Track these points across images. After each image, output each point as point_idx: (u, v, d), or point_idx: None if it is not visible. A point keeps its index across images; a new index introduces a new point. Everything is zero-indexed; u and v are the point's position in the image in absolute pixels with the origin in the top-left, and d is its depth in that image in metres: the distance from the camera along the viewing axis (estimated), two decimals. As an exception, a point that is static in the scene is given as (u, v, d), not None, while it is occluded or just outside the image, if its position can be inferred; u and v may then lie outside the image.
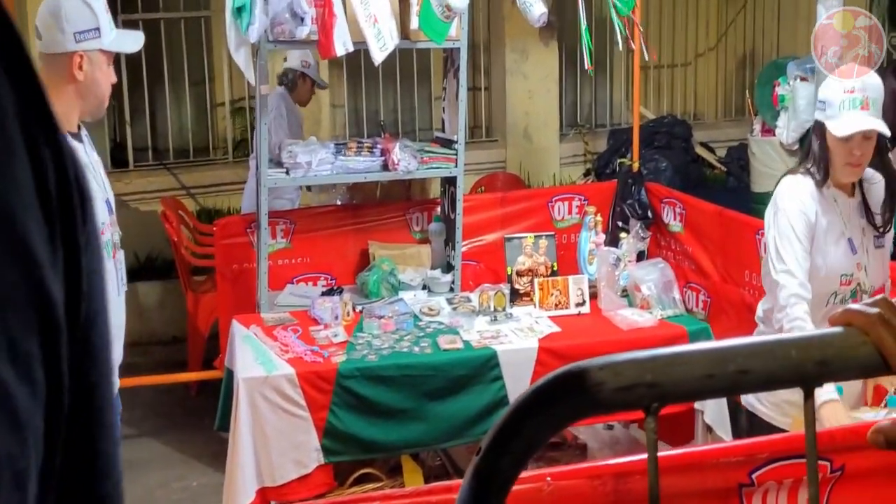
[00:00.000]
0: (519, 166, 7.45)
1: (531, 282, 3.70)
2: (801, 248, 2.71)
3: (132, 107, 7.23)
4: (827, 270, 2.77)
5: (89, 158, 2.66)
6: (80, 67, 2.53)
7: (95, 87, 2.59)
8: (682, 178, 6.69)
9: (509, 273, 3.76)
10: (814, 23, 7.24)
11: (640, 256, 3.62)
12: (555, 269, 3.79)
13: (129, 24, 7.01)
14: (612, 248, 3.53)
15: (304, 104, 5.69)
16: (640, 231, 3.46)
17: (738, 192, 6.40)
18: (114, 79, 2.64)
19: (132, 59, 6.99)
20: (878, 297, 0.76)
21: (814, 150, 2.76)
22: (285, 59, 5.56)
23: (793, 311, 2.63)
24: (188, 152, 7.43)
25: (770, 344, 0.63)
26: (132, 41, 2.72)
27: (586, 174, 7.32)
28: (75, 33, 2.51)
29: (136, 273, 6.63)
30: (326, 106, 7.24)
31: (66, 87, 2.53)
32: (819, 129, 2.73)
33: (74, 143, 2.60)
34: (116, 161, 7.32)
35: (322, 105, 7.15)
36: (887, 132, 2.65)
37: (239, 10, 3.66)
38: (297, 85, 5.42)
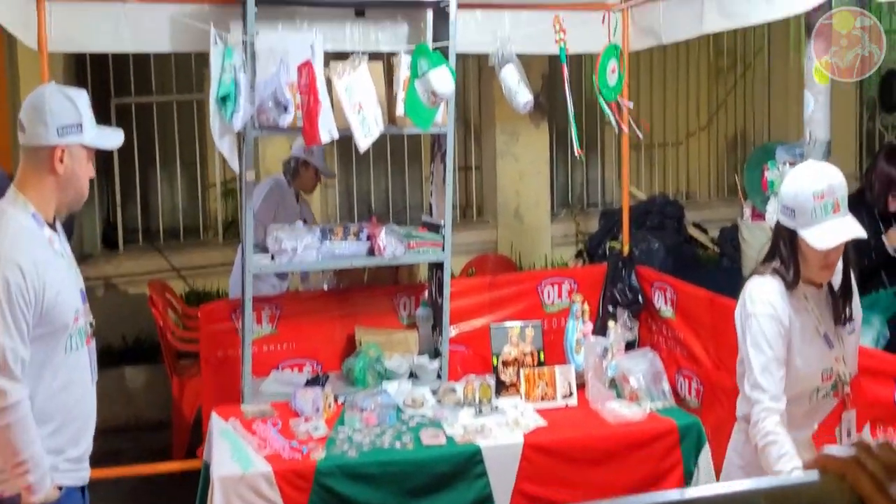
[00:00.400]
0: (510, 247, 7.42)
1: (517, 372, 3.61)
2: (773, 357, 2.62)
3: (123, 188, 7.23)
4: (806, 370, 2.69)
5: (64, 249, 2.64)
6: (61, 161, 2.53)
7: (75, 180, 2.59)
8: (675, 258, 6.64)
9: (495, 364, 3.67)
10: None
11: (629, 345, 3.55)
12: (541, 359, 3.70)
13: (122, 109, 7.08)
14: (600, 338, 3.45)
15: (309, 191, 5.65)
16: (627, 321, 3.40)
17: (731, 273, 6.33)
18: (92, 173, 2.64)
19: (124, 140, 7.06)
20: (855, 439, 0.71)
21: (782, 253, 2.64)
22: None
23: (765, 424, 2.56)
24: (179, 233, 7.41)
25: (741, 496, 0.62)
26: (112, 139, 2.73)
27: (578, 255, 7.28)
28: (58, 128, 2.51)
29: (123, 356, 6.55)
30: (318, 187, 7.24)
31: (46, 178, 2.53)
32: (788, 234, 2.61)
33: (50, 234, 2.56)
34: (107, 242, 7.30)
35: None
36: (864, 234, 2.57)
37: (224, 99, 3.66)
38: (300, 172, 5.39)
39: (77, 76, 6.85)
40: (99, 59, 6.88)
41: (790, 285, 2.64)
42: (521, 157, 7.54)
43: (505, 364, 3.66)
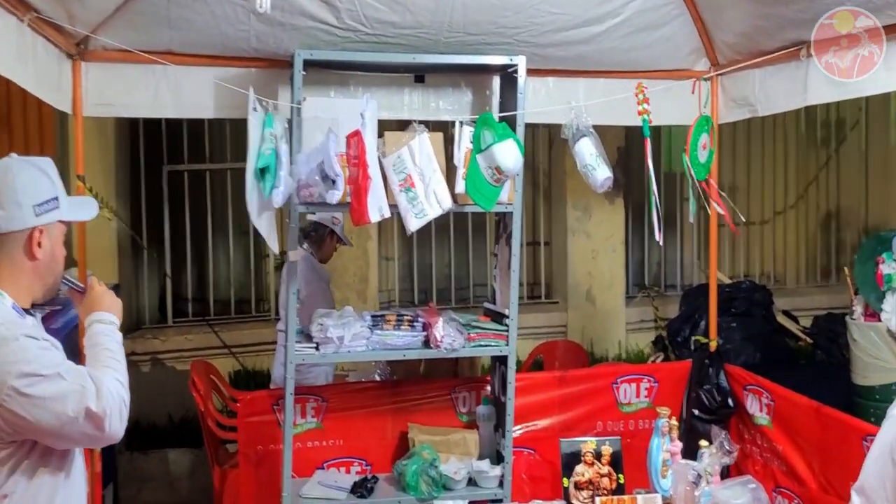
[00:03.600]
0: (581, 332, 6.87)
1: (592, 498, 3.07)
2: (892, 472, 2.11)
3: (174, 259, 6.95)
4: None
5: (47, 336, 2.22)
6: (40, 245, 2.13)
7: (55, 264, 2.19)
8: (764, 351, 6.01)
9: (565, 486, 3.14)
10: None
11: (724, 472, 2.99)
12: (621, 480, 3.15)
13: (175, 175, 6.84)
14: (692, 462, 2.90)
15: (326, 261, 5.27)
16: (725, 443, 2.85)
17: (830, 371, 5.68)
18: (65, 251, 2.24)
19: (175, 208, 6.80)
20: None
21: None
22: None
23: None
24: (230, 308, 7.07)
25: None
26: (87, 208, 2.32)
27: (656, 343, 6.69)
28: (34, 206, 2.11)
29: (168, 436, 6.20)
30: (375, 258, 6.84)
31: (23, 266, 2.13)
32: None
33: (33, 321, 2.16)
34: (154, 316, 7.01)
35: (370, 257, 6.76)
36: None
37: (262, 172, 3.29)
38: (326, 241, 5.01)
39: (129, 142, 6.65)
40: (151, 125, 6.67)
41: None
42: (595, 234, 7.04)
43: (577, 487, 3.12)
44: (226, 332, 6.67)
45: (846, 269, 4.78)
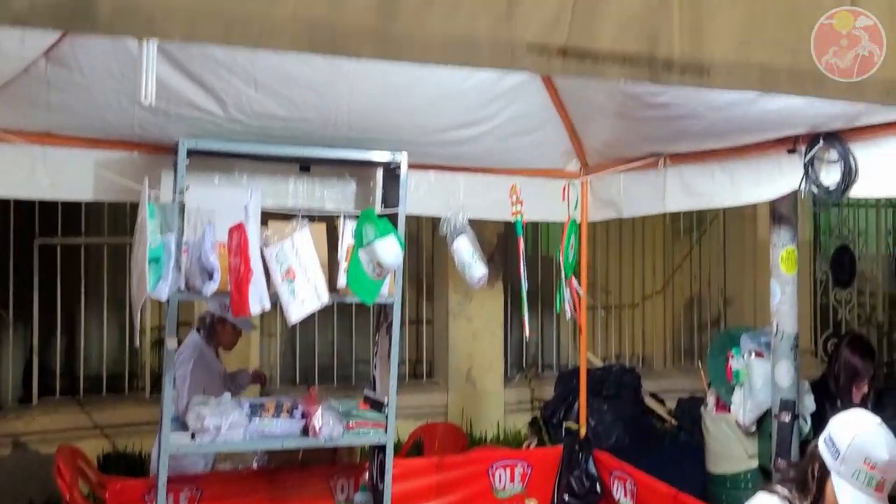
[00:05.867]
0: (461, 412, 6.99)
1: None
2: None
3: (43, 334, 6.67)
4: None
5: None
6: None
7: None
8: (632, 431, 6.28)
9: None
10: (761, 271, 7.13)
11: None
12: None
13: (47, 249, 6.64)
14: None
15: (229, 348, 5.03)
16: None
17: (690, 450, 5.96)
18: None
19: (46, 281, 6.57)
20: None
21: (807, 483, 2.31)
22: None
23: None
24: (101, 385, 6.83)
25: None
26: None
27: (532, 423, 6.87)
28: None
29: (33, 526, 5.88)
30: (256, 335, 6.78)
31: None
32: (821, 469, 2.30)
33: None
34: (20, 395, 6.70)
35: (251, 334, 6.69)
36: None
37: (151, 263, 3.28)
38: (217, 330, 4.81)
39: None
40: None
41: None
42: (475, 317, 7.22)
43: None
44: (96, 410, 6.45)
45: (699, 362, 5.07)
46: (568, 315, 4.21)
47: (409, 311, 7.47)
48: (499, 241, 7.15)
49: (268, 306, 3.45)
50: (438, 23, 1.29)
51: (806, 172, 3.10)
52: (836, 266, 8.23)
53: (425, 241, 7.62)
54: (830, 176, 3.04)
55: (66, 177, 3.81)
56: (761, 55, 1.54)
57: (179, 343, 4.53)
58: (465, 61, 1.34)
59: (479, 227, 4.30)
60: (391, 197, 4.08)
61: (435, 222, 7.26)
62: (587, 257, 4.41)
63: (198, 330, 4.80)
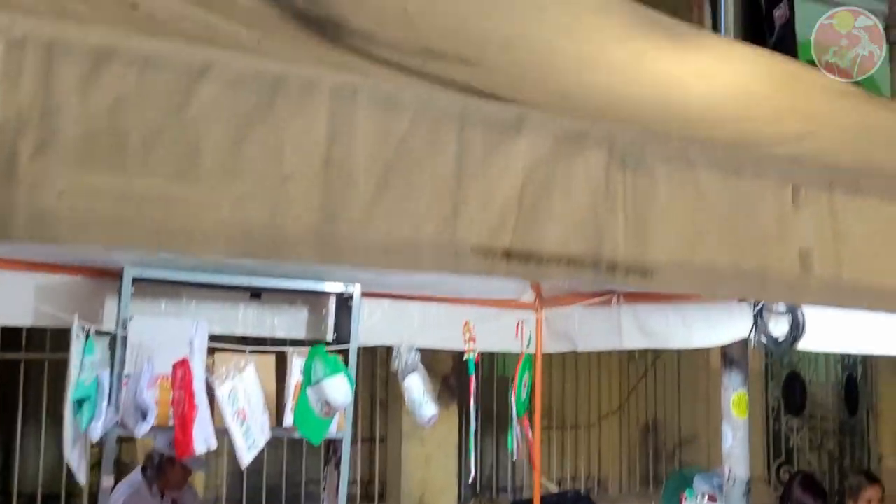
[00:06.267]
0: (413, 538, 6.77)
1: None
2: None
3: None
4: None
5: None
6: None
7: None
8: (588, 564, 6.10)
9: None
10: (713, 405, 7.14)
11: None
12: None
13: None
14: None
15: (180, 488, 4.56)
16: None
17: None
18: None
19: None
20: None
21: None
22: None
23: None
24: (35, 505, 6.51)
25: None
26: None
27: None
28: None
29: None
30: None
31: None
32: None
33: None
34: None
35: (198, 457, 6.46)
36: None
37: (80, 403, 3.15)
38: (165, 470, 4.33)
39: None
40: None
41: None
42: (428, 440, 7.06)
43: None
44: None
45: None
46: (515, 456, 4.12)
47: (363, 428, 7.29)
48: (455, 365, 7.05)
49: (213, 445, 3.33)
50: (382, 226, 1.26)
51: (755, 322, 3.11)
52: (787, 393, 8.28)
53: (381, 354, 7.50)
54: (779, 327, 3.06)
55: (3, 302, 3.69)
56: (705, 258, 1.54)
57: (118, 481, 4.29)
58: (408, 266, 1.32)
59: (433, 352, 4.23)
60: (343, 326, 4.02)
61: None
62: (541, 385, 4.35)
63: (143, 469, 4.44)
